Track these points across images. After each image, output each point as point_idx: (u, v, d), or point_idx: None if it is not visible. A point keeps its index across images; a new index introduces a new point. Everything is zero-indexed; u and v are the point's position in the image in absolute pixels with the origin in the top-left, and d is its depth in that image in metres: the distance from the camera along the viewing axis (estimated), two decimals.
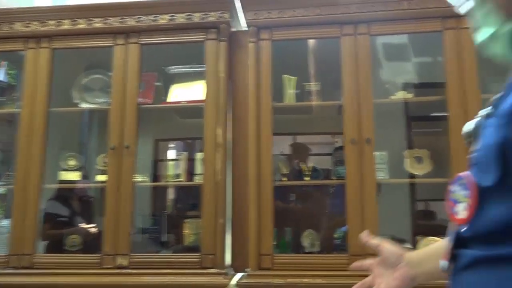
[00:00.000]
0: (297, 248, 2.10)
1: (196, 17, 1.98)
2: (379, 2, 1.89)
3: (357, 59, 1.91)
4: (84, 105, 2.25)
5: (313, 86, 2.18)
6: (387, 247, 0.82)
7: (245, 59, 2.00)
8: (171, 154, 2.42)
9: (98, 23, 2.04)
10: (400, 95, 2.07)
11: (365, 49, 1.92)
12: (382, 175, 1.96)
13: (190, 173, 2.17)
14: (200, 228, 1.95)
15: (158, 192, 2.48)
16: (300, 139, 2.48)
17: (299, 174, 2.10)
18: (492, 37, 0.55)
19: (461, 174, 0.56)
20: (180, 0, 2.01)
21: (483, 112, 0.57)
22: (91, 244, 2.12)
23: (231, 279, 1.85)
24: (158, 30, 2.03)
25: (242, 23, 2.08)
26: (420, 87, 2.19)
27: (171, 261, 1.93)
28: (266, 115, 1.93)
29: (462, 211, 0.54)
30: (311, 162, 2.21)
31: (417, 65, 2.37)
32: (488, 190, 0.50)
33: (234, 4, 2.00)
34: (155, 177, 2.37)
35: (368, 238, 0.84)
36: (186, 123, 2.47)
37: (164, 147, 2.49)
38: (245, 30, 2.03)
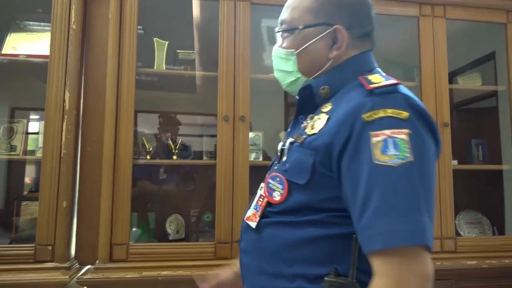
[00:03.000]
0: (161, 235, 1.86)
1: None
2: None
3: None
4: None
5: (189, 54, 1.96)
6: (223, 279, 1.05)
7: (106, 12, 1.66)
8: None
9: None
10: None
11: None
12: (253, 156, 1.83)
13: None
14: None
15: None
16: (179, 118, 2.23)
17: (166, 151, 1.85)
18: (295, 81, 0.94)
19: (275, 174, 0.86)
20: None
21: (287, 140, 0.89)
22: None
23: (74, 274, 1.53)
24: None
25: None
26: None
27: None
28: (128, 80, 1.63)
29: (277, 196, 0.85)
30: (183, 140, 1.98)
31: None
32: (298, 186, 0.82)
33: None
34: None
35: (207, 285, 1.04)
36: None
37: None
38: None
